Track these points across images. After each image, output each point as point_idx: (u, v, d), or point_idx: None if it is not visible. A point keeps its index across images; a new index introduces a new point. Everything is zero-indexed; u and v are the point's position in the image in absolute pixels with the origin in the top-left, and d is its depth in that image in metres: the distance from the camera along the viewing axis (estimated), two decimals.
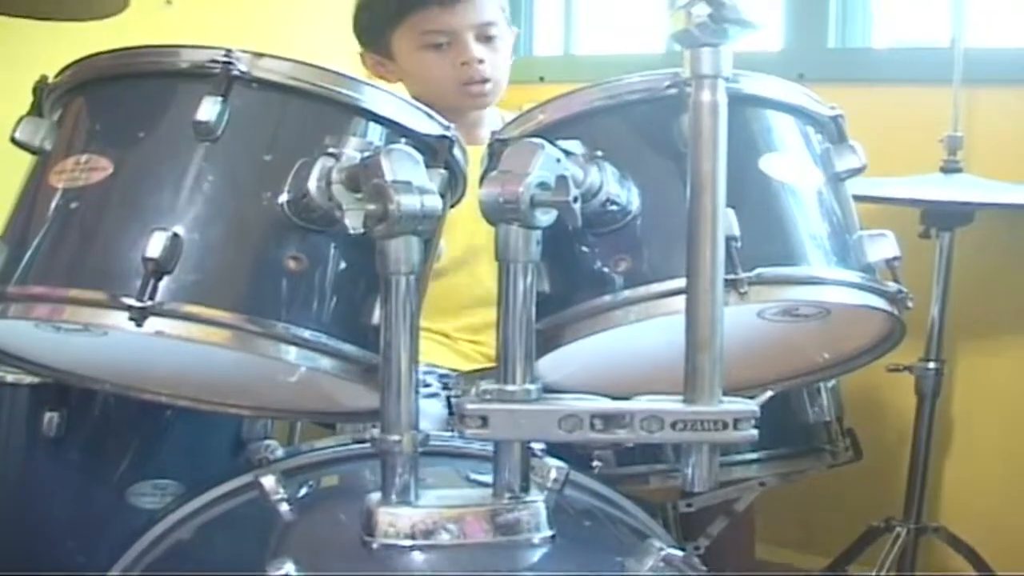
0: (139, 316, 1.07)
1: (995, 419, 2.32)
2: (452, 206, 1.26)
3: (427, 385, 1.74)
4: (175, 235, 1.09)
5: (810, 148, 1.27)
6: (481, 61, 1.92)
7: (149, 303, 1.06)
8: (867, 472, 1.95)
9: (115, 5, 1.53)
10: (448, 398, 1.73)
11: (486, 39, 1.94)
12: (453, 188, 1.24)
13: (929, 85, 2.27)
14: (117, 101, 1.22)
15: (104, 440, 1.55)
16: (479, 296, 1.83)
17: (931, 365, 2.12)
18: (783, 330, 1.25)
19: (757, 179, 1.20)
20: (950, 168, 2.11)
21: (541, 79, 2.70)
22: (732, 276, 1.09)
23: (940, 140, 2.13)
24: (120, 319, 1.07)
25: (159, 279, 1.07)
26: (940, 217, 2.08)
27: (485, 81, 1.93)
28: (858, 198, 1.30)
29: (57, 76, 1.24)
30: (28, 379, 1.51)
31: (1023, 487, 2.27)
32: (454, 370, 1.82)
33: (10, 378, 1.52)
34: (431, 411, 1.68)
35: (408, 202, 1.03)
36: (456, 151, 1.23)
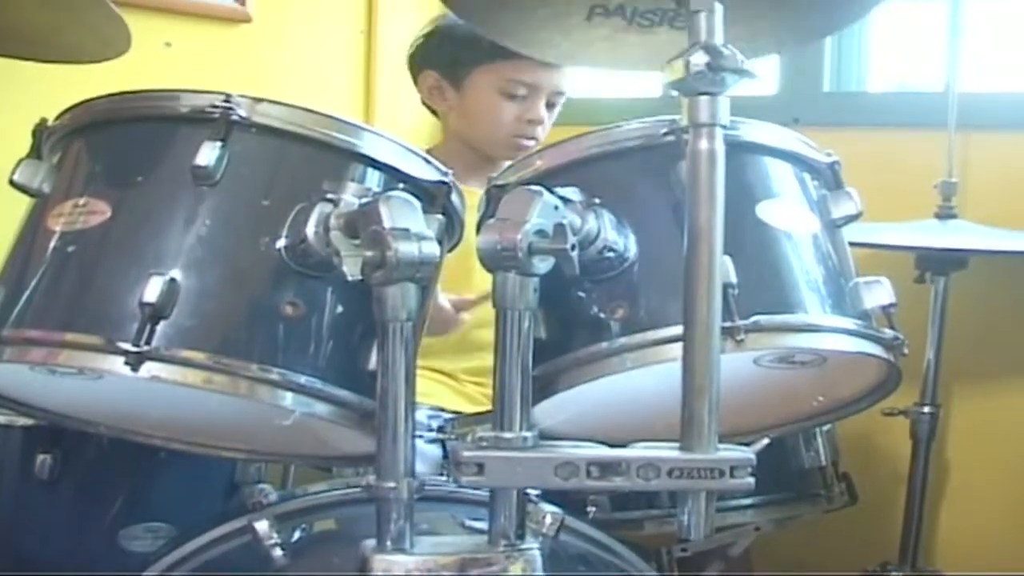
0: (135, 361, 1.07)
1: (991, 463, 2.31)
2: (450, 251, 1.26)
3: (429, 429, 1.73)
4: (172, 280, 1.09)
5: (807, 195, 1.27)
6: (541, 123, 2.00)
7: (146, 348, 1.06)
8: (863, 516, 1.95)
9: (115, 48, 1.53)
10: (443, 442, 1.73)
11: (551, 105, 2.02)
12: (450, 234, 1.24)
13: (924, 130, 2.28)
14: (116, 145, 1.22)
15: (97, 482, 1.55)
16: (482, 342, 1.83)
17: (926, 409, 2.11)
18: (780, 377, 1.25)
19: (754, 226, 1.20)
20: (945, 214, 2.12)
21: None
22: (729, 324, 1.09)
23: (935, 185, 2.14)
24: (116, 364, 1.07)
25: (156, 324, 1.07)
26: (935, 263, 2.09)
27: (533, 140, 2.00)
28: (853, 244, 1.30)
29: (56, 119, 1.25)
30: (21, 421, 1.50)
31: (1019, 531, 2.26)
32: (456, 412, 1.82)
33: (2, 419, 1.51)
34: (427, 452, 1.68)
35: (406, 249, 1.03)
36: (454, 197, 1.24)
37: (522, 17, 1.24)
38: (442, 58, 2.03)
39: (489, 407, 1.10)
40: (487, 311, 1.77)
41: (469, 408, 1.86)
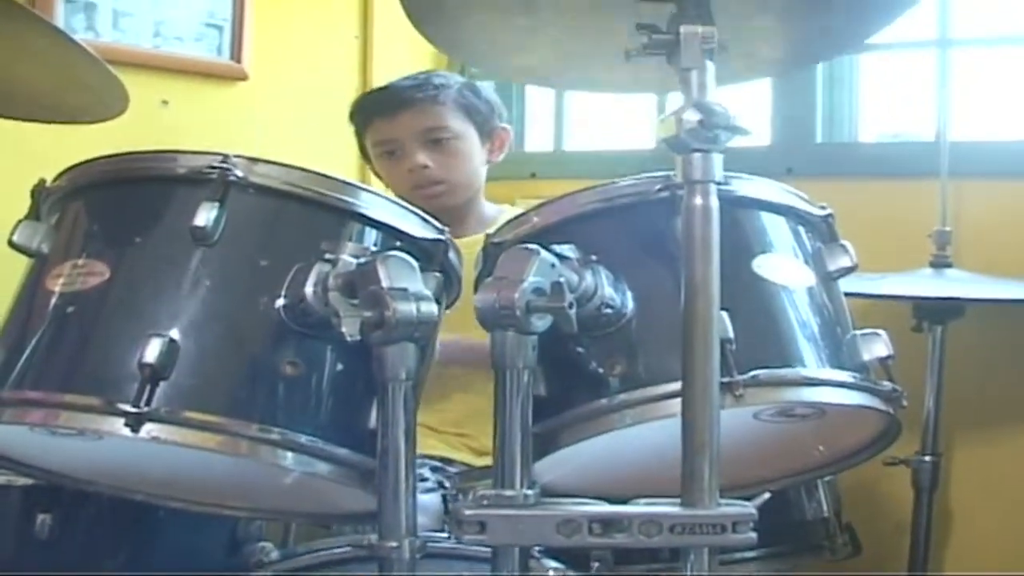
0: (135, 422, 1.07)
1: (993, 511, 2.30)
2: (447, 308, 1.27)
3: (423, 479, 1.73)
4: (172, 340, 1.09)
5: (802, 248, 1.28)
6: (425, 167, 1.98)
7: (145, 409, 1.07)
8: (867, 566, 1.93)
9: (113, 108, 1.55)
10: (444, 495, 1.72)
11: (434, 142, 2.00)
12: (448, 291, 1.25)
13: (916, 179, 2.29)
14: (115, 206, 1.23)
15: (96, 542, 1.54)
16: (459, 382, 1.83)
17: (928, 458, 2.11)
18: (780, 430, 1.25)
19: (751, 281, 1.21)
20: (940, 263, 2.12)
21: (533, 175, 2.72)
22: (727, 379, 1.10)
23: (929, 235, 2.14)
24: (116, 425, 1.07)
25: (155, 384, 1.07)
26: (932, 312, 2.09)
27: (436, 183, 1.99)
28: (849, 294, 1.31)
29: (55, 180, 1.26)
30: (20, 481, 1.49)
31: None
32: (445, 459, 1.82)
33: (1, 480, 1.50)
34: (428, 505, 1.67)
35: (404, 309, 1.04)
36: (451, 254, 1.25)
37: (566, 61, 1.29)
38: (358, 141, 2.11)
39: (473, 458, 1.11)
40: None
41: (457, 456, 1.86)
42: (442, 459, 1.83)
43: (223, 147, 1.20)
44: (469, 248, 1.30)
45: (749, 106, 2.47)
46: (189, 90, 2.46)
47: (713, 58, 1.06)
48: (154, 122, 2.29)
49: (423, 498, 1.64)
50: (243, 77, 2.52)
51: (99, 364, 1.12)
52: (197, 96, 2.48)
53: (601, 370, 1.17)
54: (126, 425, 1.07)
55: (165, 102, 2.40)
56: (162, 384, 1.08)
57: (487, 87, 2.10)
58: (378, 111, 2.02)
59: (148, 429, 1.07)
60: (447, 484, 1.74)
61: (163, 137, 2.27)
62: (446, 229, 1.25)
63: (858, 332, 1.24)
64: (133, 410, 1.06)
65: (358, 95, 2.17)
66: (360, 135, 2.08)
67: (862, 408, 1.22)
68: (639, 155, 2.60)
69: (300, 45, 2.66)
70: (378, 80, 2.68)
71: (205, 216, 1.14)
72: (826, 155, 2.51)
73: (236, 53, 2.53)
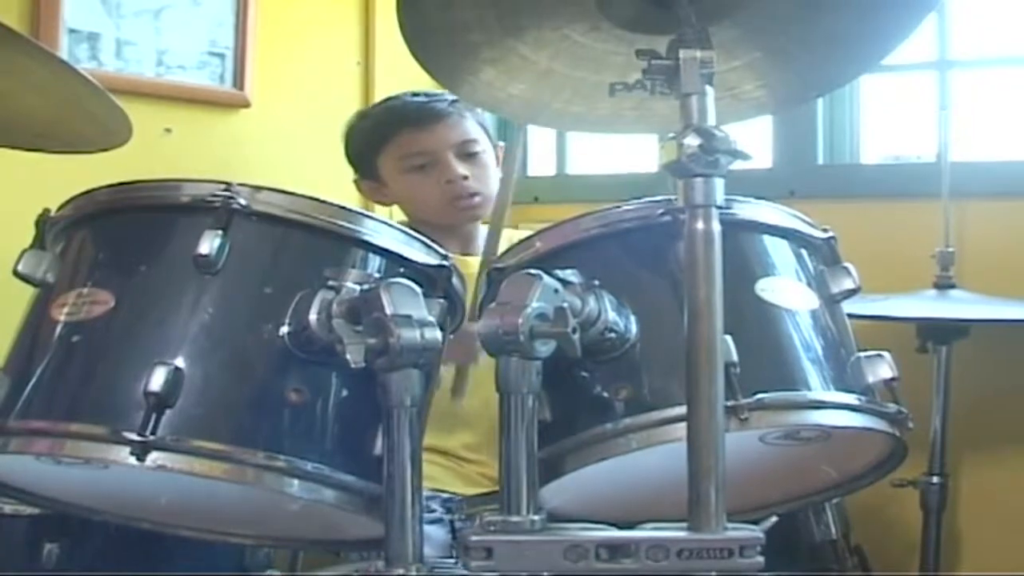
0: (141, 450, 1.07)
1: (1002, 530, 2.29)
2: (451, 332, 1.27)
3: (431, 511, 1.72)
4: (177, 368, 1.09)
5: (805, 271, 1.28)
6: (465, 177, 1.95)
7: (151, 437, 1.07)
8: None
9: (117, 138, 1.55)
10: (452, 523, 1.72)
11: (468, 156, 1.98)
12: (452, 316, 1.25)
13: (918, 200, 2.29)
14: (119, 235, 1.24)
15: (104, 571, 1.53)
16: (476, 409, 1.84)
17: (935, 479, 2.10)
18: (786, 453, 1.25)
19: (754, 304, 1.21)
20: (943, 284, 2.12)
21: (535, 199, 2.72)
22: (732, 403, 1.10)
23: (932, 256, 2.15)
24: (122, 454, 1.08)
25: (161, 413, 1.08)
26: (936, 333, 2.09)
27: (473, 195, 1.97)
28: (853, 316, 1.31)
29: (59, 209, 1.26)
30: (27, 510, 1.49)
31: None
32: (457, 494, 1.82)
33: (8, 509, 1.50)
34: (435, 536, 1.67)
35: (408, 336, 1.04)
36: (454, 280, 1.25)
37: (548, 100, 1.29)
38: (357, 161, 2.06)
39: (487, 487, 1.11)
40: (473, 378, 1.80)
41: (469, 489, 1.85)
42: (455, 494, 1.83)
43: (226, 175, 1.21)
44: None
45: (750, 129, 2.48)
46: (192, 118, 2.46)
47: (712, 83, 1.07)
48: (157, 150, 2.29)
49: (430, 530, 1.63)
50: (245, 104, 2.53)
51: (104, 393, 1.13)
52: (200, 124, 2.48)
53: (606, 395, 1.17)
54: (132, 454, 1.07)
55: (168, 130, 2.40)
56: (167, 412, 1.08)
57: None
58: (410, 122, 1.97)
59: (154, 458, 1.07)
60: (454, 512, 1.74)
61: (166, 165, 2.25)
62: (449, 255, 1.25)
63: (862, 354, 1.24)
64: (139, 439, 1.06)
65: (356, 116, 2.12)
66: (368, 153, 2.02)
67: (868, 430, 1.22)
68: (641, 179, 2.60)
69: (302, 72, 2.66)
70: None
71: (209, 244, 1.14)
72: (828, 177, 2.51)
73: (238, 81, 2.53)
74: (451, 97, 1.97)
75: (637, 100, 1.23)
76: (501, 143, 2.09)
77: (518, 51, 1.21)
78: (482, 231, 2.02)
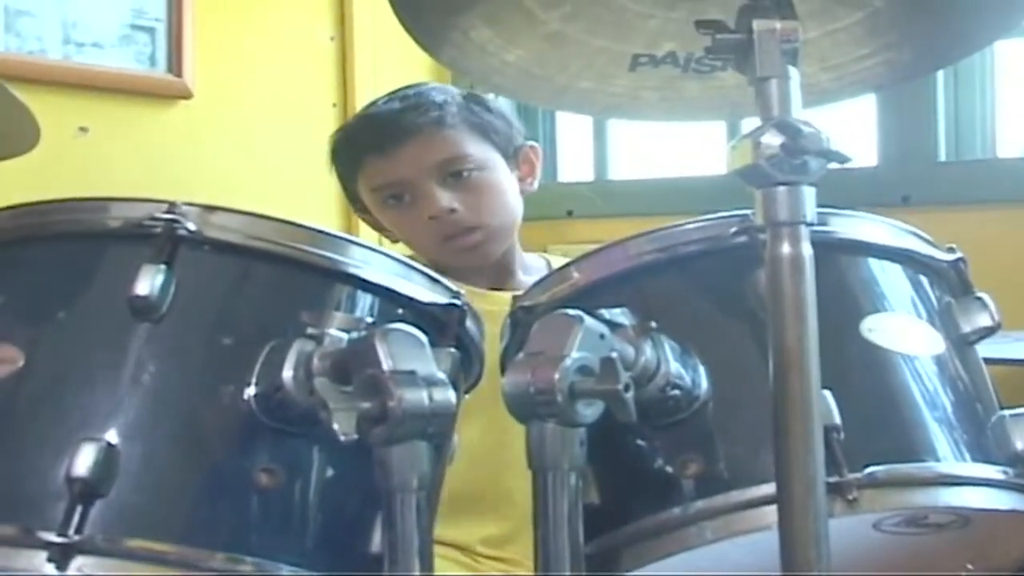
0: (61, 555, 1.07)
1: None
2: (467, 391, 1.29)
3: None
4: (109, 445, 1.10)
5: (926, 305, 1.30)
6: (452, 210, 1.95)
7: (76, 538, 1.07)
8: None
9: (18, 143, 1.57)
10: None
11: (453, 178, 1.97)
12: (467, 370, 1.27)
13: None
14: (26, 272, 1.24)
15: None
16: (503, 494, 1.85)
17: None
18: (909, 543, 1.26)
19: (859, 349, 1.23)
20: None
21: (569, 213, 2.73)
22: (836, 478, 1.11)
23: None
24: (36, 560, 1.07)
25: (89, 504, 1.08)
26: None
27: (470, 230, 1.97)
28: (991, 361, 1.32)
29: None
30: None
31: None
32: None
33: None
34: None
35: (412, 398, 1.05)
36: (469, 323, 1.27)
37: (551, 73, 1.30)
38: (345, 189, 2.10)
39: None
40: (502, 456, 1.81)
41: None
42: None
43: (166, 190, 1.21)
44: None
45: (848, 121, 2.49)
46: (114, 113, 2.47)
47: (797, 62, 1.08)
48: (71, 156, 2.30)
49: None
50: (185, 95, 2.54)
51: (14, 481, 1.13)
52: (126, 121, 2.49)
53: (670, 470, 1.19)
54: (50, 560, 1.06)
55: (84, 129, 2.41)
56: (97, 503, 1.08)
57: (492, 97, 2.08)
58: (370, 147, 1.99)
59: (80, 564, 1.07)
60: None
61: (84, 176, 2.27)
62: (462, 292, 1.27)
63: (1007, 412, 1.25)
64: (59, 540, 1.06)
65: (335, 133, 2.13)
66: (348, 182, 2.06)
67: (1018, 513, 1.22)
68: (705, 186, 2.60)
69: (258, 51, 2.67)
70: (362, 94, 2.69)
71: (148, 283, 1.14)
72: (953, 178, 2.52)
73: (175, 64, 2.54)
74: (439, 98, 1.99)
75: (663, 78, 1.25)
76: (533, 143, 2.11)
77: (524, 5, 1.21)
78: (516, 260, 2.04)
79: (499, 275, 2.01)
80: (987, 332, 1.30)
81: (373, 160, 1.99)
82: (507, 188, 2.03)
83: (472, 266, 1.99)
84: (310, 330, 1.14)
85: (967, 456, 1.21)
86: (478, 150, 2.00)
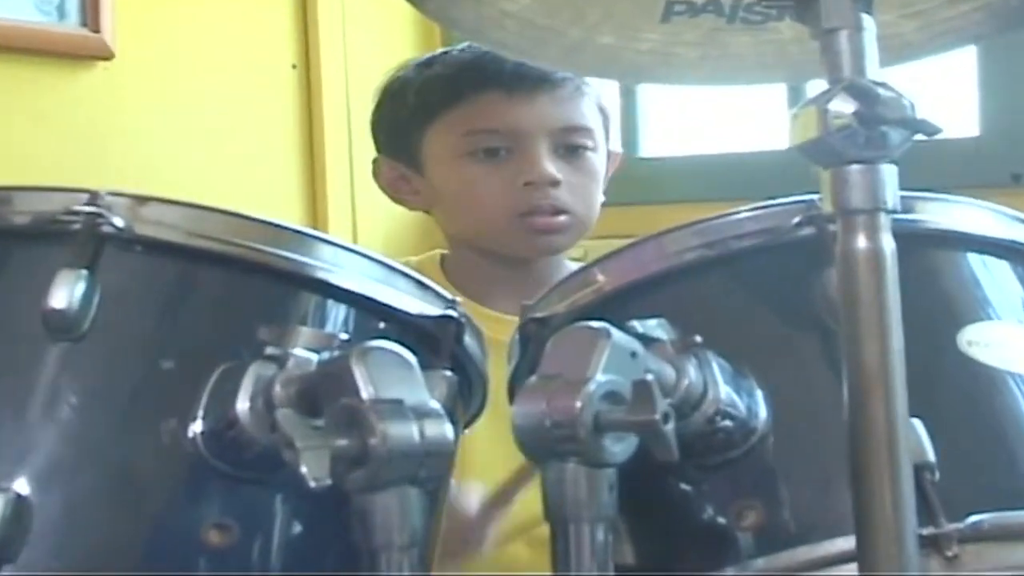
0: None
1: None
2: (467, 425, 1.31)
3: None
4: (19, 496, 1.11)
5: None
6: (555, 183, 1.99)
7: None
8: None
9: None
10: None
11: (569, 151, 2.02)
12: (467, 399, 1.29)
13: None
14: None
15: None
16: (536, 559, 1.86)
17: None
18: None
19: (957, 366, 1.24)
20: None
21: None
22: (931, 530, 1.12)
23: None
24: None
25: None
26: None
27: (559, 213, 2.00)
28: None
29: None
30: None
31: None
32: None
33: None
34: None
35: (399, 433, 1.05)
36: (467, 339, 1.28)
37: (562, 26, 1.30)
38: (391, 129, 2.12)
39: None
40: (523, 515, 1.83)
41: None
42: None
43: (83, 175, 1.23)
44: None
45: (941, 83, 2.51)
46: (18, 77, 2.47)
47: (872, 9, 1.08)
48: None
49: None
50: (105, 55, 2.53)
51: None
52: (28, 88, 2.48)
53: (723, 521, 1.20)
54: None
55: None
56: (6, 568, 1.09)
57: None
58: (492, 82, 2.00)
59: None
60: None
61: None
62: (457, 300, 1.29)
63: None
64: None
65: (425, 56, 2.14)
66: (423, 113, 2.06)
67: None
68: (759, 165, 2.61)
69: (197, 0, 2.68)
70: (328, 53, 2.68)
71: (66, 293, 1.15)
72: None
73: (89, 15, 2.53)
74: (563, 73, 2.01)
75: (704, 31, 1.26)
76: (620, 151, 2.16)
77: None
78: (563, 269, 2.04)
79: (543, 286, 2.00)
80: None
81: (489, 97, 2.01)
82: (601, 182, 2.08)
83: (535, 257, 2.04)
84: (270, 350, 1.15)
85: None
86: (598, 130, 2.06)
